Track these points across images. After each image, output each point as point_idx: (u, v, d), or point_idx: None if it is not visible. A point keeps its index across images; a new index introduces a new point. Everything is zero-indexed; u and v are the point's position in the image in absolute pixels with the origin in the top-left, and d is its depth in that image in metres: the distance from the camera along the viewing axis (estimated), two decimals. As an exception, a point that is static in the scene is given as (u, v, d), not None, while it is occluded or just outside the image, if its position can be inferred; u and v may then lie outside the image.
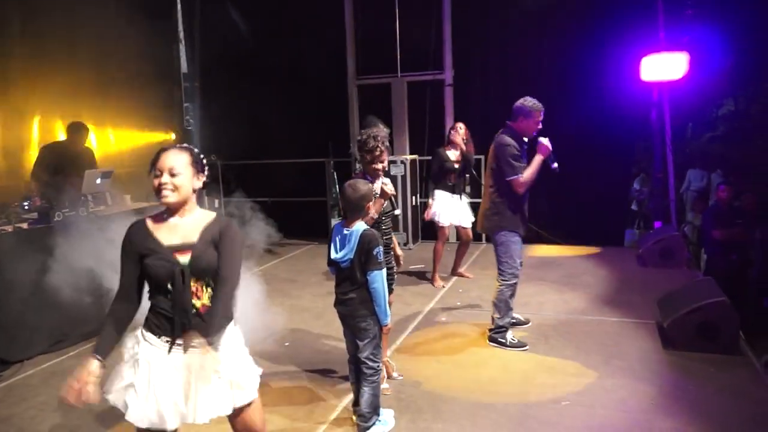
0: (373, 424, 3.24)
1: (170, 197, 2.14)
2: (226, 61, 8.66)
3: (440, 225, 6.00)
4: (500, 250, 4.32)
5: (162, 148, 2.18)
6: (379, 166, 3.50)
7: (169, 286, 2.13)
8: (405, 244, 7.76)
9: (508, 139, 4.15)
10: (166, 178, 2.12)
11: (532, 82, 6.75)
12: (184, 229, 2.19)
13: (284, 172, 8.87)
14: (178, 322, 2.14)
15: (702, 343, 4.10)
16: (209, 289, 2.19)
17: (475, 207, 6.10)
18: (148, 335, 2.18)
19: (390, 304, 3.80)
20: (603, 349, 4.24)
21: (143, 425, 2.14)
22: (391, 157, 7.70)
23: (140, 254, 2.15)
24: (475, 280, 6.17)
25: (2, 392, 4.01)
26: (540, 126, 4.16)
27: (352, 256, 3.07)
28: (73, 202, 5.08)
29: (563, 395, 3.60)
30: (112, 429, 3.43)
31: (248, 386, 2.27)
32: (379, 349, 3.24)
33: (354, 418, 3.31)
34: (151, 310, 2.21)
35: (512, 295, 4.35)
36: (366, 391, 3.21)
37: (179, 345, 2.16)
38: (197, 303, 2.18)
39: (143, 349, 2.17)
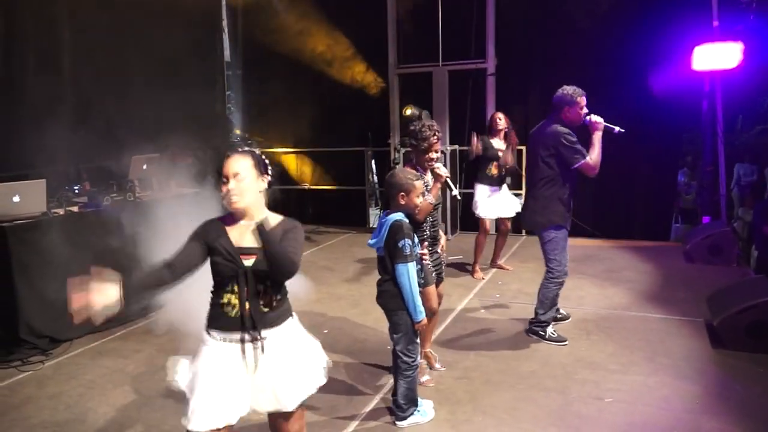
0: (411, 414, 3.25)
1: (238, 202, 2.17)
2: (268, 50, 8.73)
3: (481, 217, 5.95)
4: (549, 246, 4.21)
5: (226, 154, 2.21)
6: (434, 155, 3.47)
7: (234, 286, 2.18)
8: (444, 235, 7.71)
9: (560, 127, 4.03)
10: (232, 184, 2.15)
11: (577, 72, 6.57)
12: (251, 232, 2.21)
13: (323, 161, 8.93)
14: (247, 321, 2.19)
15: (752, 343, 3.96)
16: (272, 292, 2.23)
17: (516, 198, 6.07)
18: (215, 332, 2.23)
19: (441, 296, 3.78)
20: (647, 346, 4.14)
21: (205, 426, 2.15)
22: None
23: (210, 246, 2.19)
24: (514, 272, 6.09)
25: (52, 369, 4.16)
26: (585, 111, 4.05)
27: (382, 245, 3.07)
28: (120, 186, 5.23)
29: (605, 391, 3.53)
30: (157, 411, 3.52)
31: (303, 390, 2.29)
32: (414, 344, 3.19)
33: (392, 406, 3.31)
34: (215, 307, 2.25)
35: (557, 292, 4.28)
36: (401, 385, 3.21)
37: (245, 342, 2.20)
38: (261, 306, 2.21)
39: (211, 345, 2.23)
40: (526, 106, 7.54)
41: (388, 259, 3.05)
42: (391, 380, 3.52)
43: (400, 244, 2.98)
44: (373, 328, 4.61)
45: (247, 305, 2.19)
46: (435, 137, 3.43)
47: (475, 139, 5.76)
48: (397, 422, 3.24)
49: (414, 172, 3.27)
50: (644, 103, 6.67)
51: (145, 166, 5.79)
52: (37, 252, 4.41)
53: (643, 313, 4.81)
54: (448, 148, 7.71)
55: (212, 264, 2.21)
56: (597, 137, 4.01)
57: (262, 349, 2.20)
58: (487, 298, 5.33)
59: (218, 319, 2.23)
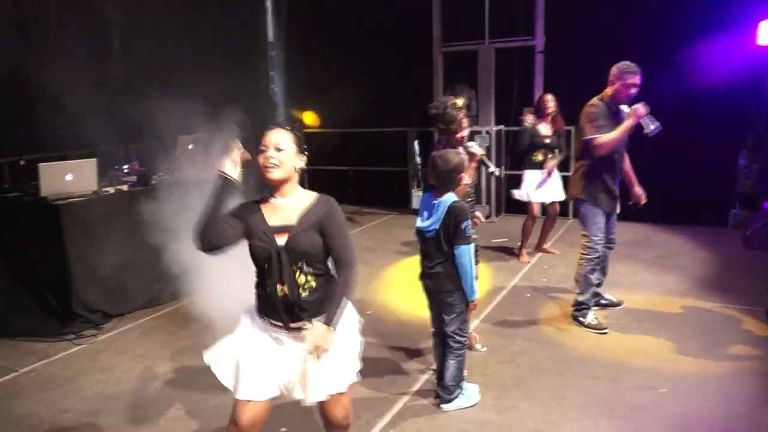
0: (456, 396, 3.20)
1: (275, 173, 2.13)
2: (312, 30, 8.67)
3: (529, 201, 5.85)
4: (580, 221, 4.20)
5: (268, 127, 2.18)
6: (465, 133, 3.39)
7: (268, 267, 2.15)
8: (488, 217, 7.58)
9: (594, 101, 3.97)
10: (271, 152, 2.12)
11: (631, 49, 6.28)
12: (286, 210, 2.19)
13: (366, 142, 8.87)
14: (279, 305, 2.15)
15: (819, 335, 3.75)
16: (309, 273, 2.17)
17: (566, 181, 5.90)
18: (257, 316, 2.25)
19: (476, 278, 3.72)
20: (704, 336, 3.96)
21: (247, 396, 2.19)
22: (476, 127, 7.50)
23: (245, 225, 2.17)
24: (561, 256, 5.94)
25: (104, 344, 4.28)
26: (634, 90, 3.86)
27: (437, 227, 3.01)
28: (168, 166, 5.30)
29: (659, 381, 3.39)
30: (202, 389, 3.58)
31: (349, 372, 2.28)
32: (466, 324, 3.19)
33: (437, 390, 3.27)
34: (259, 292, 2.24)
35: (593, 271, 4.14)
36: (451, 364, 3.17)
37: (284, 327, 2.19)
38: (300, 289, 2.16)
39: (253, 328, 2.24)
40: (576, 86, 7.24)
41: (445, 240, 3.00)
42: (433, 364, 3.48)
43: (462, 226, 2.94)
44: (417, 310, 4.55)
45: (282, 288, 2.13)
46: (463, 115, 3.37)
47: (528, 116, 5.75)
48: (442, 405, 3.20)
49: (456, 152, 3.19)
50: (704, 80, 6.33)
51: (191, 146, 5.85)
52: (89, 229, 4.52)
53: (699, 301, 4.61)
54: (494, 128, 7.54)
55: (250, 247, 2.18)
56: (626, 123, 3.82)
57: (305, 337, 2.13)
58: (533, 282, 5.21)
59: (263, 305, 2.22)
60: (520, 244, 5.98)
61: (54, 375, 3.80)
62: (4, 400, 3.50)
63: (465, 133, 3.41)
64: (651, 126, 3.78)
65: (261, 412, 2.20)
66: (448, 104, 3.41)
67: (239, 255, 2.29)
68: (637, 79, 3.84)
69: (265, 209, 2.20)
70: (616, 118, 3.92)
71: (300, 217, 2.17)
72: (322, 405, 2.29)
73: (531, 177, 5.83)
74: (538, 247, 6.13)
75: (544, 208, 6.12)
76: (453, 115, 3.34)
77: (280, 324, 2.19)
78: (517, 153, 5.99)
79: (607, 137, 3.85)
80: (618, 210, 4.23)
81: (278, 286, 2.14)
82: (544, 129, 5.74)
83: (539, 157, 5.78)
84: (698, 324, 4.16)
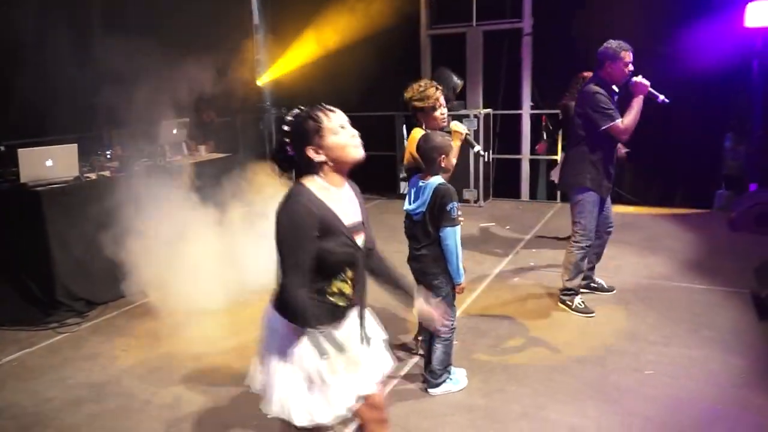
0: (444, 381, 3.20)
1: (362, 151, 1.96)
2: (298, 13, 8.54)
3: None
4: (575, 209, 4.11)
5: (328, 108, 1.97)
6: (443, 111, 3.32)
7: (349, 272, 1.94)
8: (476, 201, 7.56)
9: (595, 87, 3.87)
10: (353, 130, 1.95)
11: (619, 31, 6.24)
12: (349, 203, 1.98)
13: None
14: (361, 307, 2.03)
15: (803, 317, 3.78)
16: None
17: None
18: (323, 328, 1.88)
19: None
20: (690, 318, 3.98)
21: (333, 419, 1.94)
22: (464, 111, 7.45)
23: (323, 230, 1.84)
24: (549, 241, 5.94)
25: (88, 331, 4.23)
26: (630, 69, 3.83)
27: (424, 209, 2.99)
28: (151, 151, 5.22)
29: (645, 364, 3.41)
30: (190, 374, 3.55)
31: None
32: (453, 308, 3.17)
33: (424, 374, 3.26)
34: (322, 300, 1.91)
35: (583, 258, 4.13)
36: (438, 348, 3.16)
37: (363, 328, 2.06)
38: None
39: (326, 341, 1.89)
40: (565, 69, 7.22)
41: (431, 223, 2.97)
42: (420, 349, 3.47)
43: (448, 208, 2.92)
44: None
45: (363, 289, 2.02)
46: (438, 91, 3.29)
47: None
48: (429, 389, 3.19)
49: (441, 133, 3.15)
50: (691, 62, 6.30)
51: (175, 131, 5.77)
52: (71, 216, 4.45)
53: (685, 283, 4.63)
54: (482, 111, 7.50)
55: (325, 251, 1.84)
56: (637, 101, 3.79)
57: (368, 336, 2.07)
58: (521, 266, 5.21)
59: (331, 313, 1.92)
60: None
61: (37, 364, 3.75)
62: (-15, 390, 3.45)
63: (444, 110, 3.34)
64: (660, 96, 3.77)
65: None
66: (423, 83, 3.33)
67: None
68: (631, 56, 3.82)
69: (331, 201, 1.90)
70: (612, 99, 3.88)
71: (361, 209, 2.03)
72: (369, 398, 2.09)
73: None
74: None
75: (535, 188, 6.08)
76: (430, 91, 3.27)
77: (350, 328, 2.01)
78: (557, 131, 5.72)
79: (629, 121, 3.79)
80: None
81: (358, 288, 1.98)
82: None
83: None
84: (684, 306, 4.18)
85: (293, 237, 1.82)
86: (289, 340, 1.90)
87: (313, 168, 1.93)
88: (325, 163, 1.92)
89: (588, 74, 5.13)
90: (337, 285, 1.93)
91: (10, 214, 4.40)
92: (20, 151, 4.41)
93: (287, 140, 1.93)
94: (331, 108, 1.96)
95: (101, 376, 3.56)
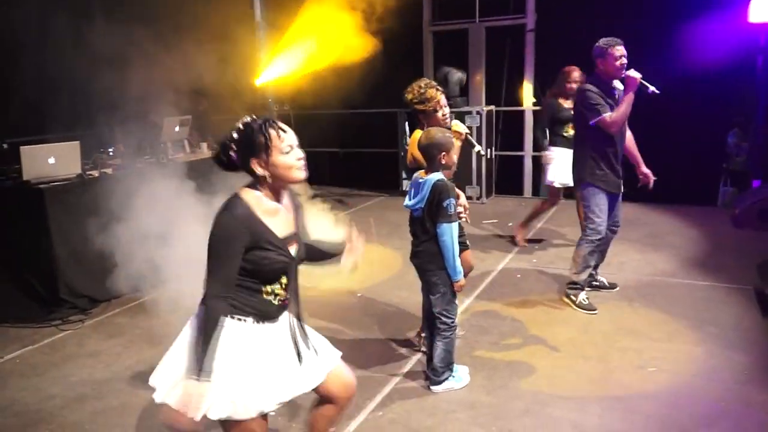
0: (446, 378, 3.20)
1: (304, 173, 1.99)
2: (299, 10, 8.51)
3: (555, 185, 5.35)
4: (584, 204, 4.16)
5: (279, 127, 1.97)
6: (445, 111, 3.32)
7: (283, 279, 2.04)
8: (478, 198, 7.55)
9: (588, 85, 3.96)
10: (301, 152, 1.98)
11: (622, 27, 6.22)
12: (285, 215, 2.05)
13: (355, 123, 8.79)
14: (294, 309, 2.12)
15: (807, 313, 3.77)
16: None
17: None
18: (250, 318, 2.00)
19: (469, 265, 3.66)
20: (693, 315, 3.97)
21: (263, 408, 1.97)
22: (467, 108, 7.44)
23: (255, 246, 1.92)
24: (551, 237, 5.93)
25: (91, 329, 4.23)
26: (623, 62, 3.83)
27: (423, 206, 2.99)
28: (153, 149, 5.22)
29: (648, 360, 3.40)
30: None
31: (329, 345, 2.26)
32: (453, 305, 3.15)
33: (427, 371, 3.26)
34: (253, 296, 2.00)
35: (592, 253, 4.12)
36: (438, 346, 3.15)
37: (293, 330, 2.12)
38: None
39: (249, 330, 2.00)
40: (567, 65, 7.21)
41: (429, 219, 2.97)
42: (423, 346, 3.47)
43: (445, 204, 2.91)
44: (408, 292, 4.54)
45: (296, 293, 2.12)
46: (439, 92, 3.30)
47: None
48: (431, 387, 3.19)
49: (443, 129, 3.14)
50: (694, 58, 6.28)
51: (177, 128, 5.77)
52: (74, 213, 4.45)
53: (688, 280, 4.62)
54: (484, 108, 7.48)
55: (259, 260, 1.94)
56: (627, 95, 3.82)
57: (304, 334, 2.14)
58: (523, 263, 5.20)
59: (259, 308, 2.01)
60: (521, 223, 5.71)
61: (40, 361, 3.76)
62: (-11, 387, 3.46)
63: (446, 111, 3.34)
64: (650, 87, 3.78)
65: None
66: (423, 84, 3.34)
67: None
68: (621, 50, 3.83)
69: (268, 216, 1.97)
70: (611, 96, 3.90)
71: (296, 221, 2.10)
72: (329, 389, 2.20)
73: (561, 155, 5.19)
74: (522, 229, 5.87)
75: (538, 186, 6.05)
76: (430, 94, 3.28)
77: (278, 325, 2.09)
78: (541, 128, 5.55)
79: (616, 114, 3.83)
80: (621, 191, 4.19)
81: (292, 294, 2.10)
82: (569, 105, 5.18)
83: (570, 131, 5.06)
84: (687, 303, 4.17)
85: (219, 249, 1.91)
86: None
87: (255, 180, 1.99)
88: (265, 178, 1.97)
89: (570, 69, 5.30)
90: (271, 287, 2.02)
91: (13, 211, 4.41)
92: (23, 148, 4.41)
93: (234, 147, 1.97)
94: (284, 127, 1.99)
95: (104, 373, 3.57)
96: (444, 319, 3.12)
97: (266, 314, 2.04)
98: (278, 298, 2.05)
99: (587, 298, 4.18)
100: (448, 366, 3.20)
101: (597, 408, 2.96)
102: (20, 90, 5.48)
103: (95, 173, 4.83)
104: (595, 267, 4.39)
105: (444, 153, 2.98)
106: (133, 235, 4.44)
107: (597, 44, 3.90)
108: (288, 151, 1.96)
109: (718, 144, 6.78)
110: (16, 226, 4.40)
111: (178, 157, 5.54)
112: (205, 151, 5.96)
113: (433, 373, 3.19)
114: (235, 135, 1.97)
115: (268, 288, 2.02)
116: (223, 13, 7.65)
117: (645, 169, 4.26)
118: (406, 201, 3.11)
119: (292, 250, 2.05)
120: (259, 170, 1.95)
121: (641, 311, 4.08)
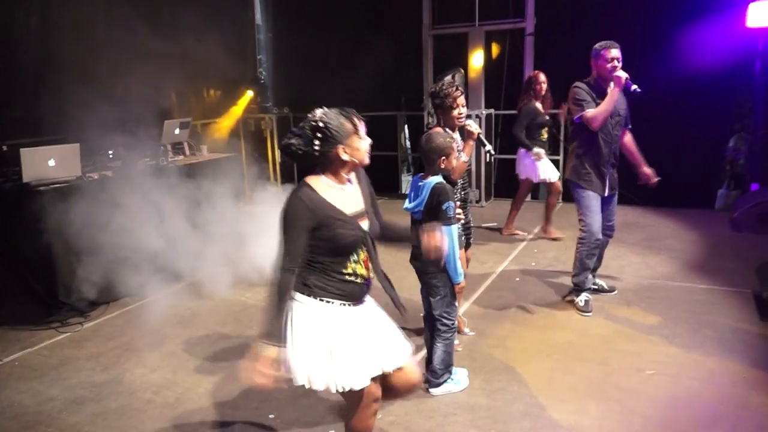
0: (445, 381, 3.20)
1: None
2: (300, 13, 8.55)
3: (549, 181, 5.84)
4: (576, 206, 4.18)
5: (356, 116, 2.14)
6: (461, 111, 3.36)
7: (356, 254, 2.17)
8: (477, 201, 7.56)
9: (578, 83, 4.01)
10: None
11: (621, 31, 6.26)
12: (354, 194, 2.22)
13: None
14: (387, 285, 2.35)
15: (805, 317, 3.77)
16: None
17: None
18: (339, 301, 2.16)
19: (468, 260, 3.72)
20: (691, 318, 3.98)
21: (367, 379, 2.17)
22: (467, 111, 7.44)
23: (321, 223, 2.06)
24: (550, 241, 5.94)
25: (90, 331, 4.23)
26: (615, 64, 3.85)
27: (422, 208, 3.00)
28: (153, 151, 5.22)
29: (647, 363, 3.40)
30: (192, 374, 3.55)
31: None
32: (453, 307, 3.16)
33: (426, 374, 3.26)
34: (339, 280, 2.14)
35: (589, 256, 4.12)
36: (439, 348, 3.16)
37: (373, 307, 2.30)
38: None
39: (340, 312, 2.16)
40: (567, 68, 7.22)
41: (429, 222, 2.97)
42: (424, 348, 3.46)
43: (444, 207, 2.92)
44: (408, 294, 4.52)
45: (378, 268, 2.27)
46: (458, 91, 3.35)
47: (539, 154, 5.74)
48: (430, 389, 3.19)
49: (450, 133, 3.22)
50: (693, 62, 6.31)
51: (177, 131, 5.78)
52: (73, 215, 4.45)
53: (687, 283, 4.63)
54: (484, 111, 7.50)
55: (332, 236, 2.07)
56: (612, 92, 3.85)
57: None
58: (523, 266, 5.21)
59: (346, 291, 2.16)
60: (544, 224, 6.04)
61: (39, 363, 3.76)
62: (-12, 389, 3.46)
63: (462, 110, 3.37)
64: (633, 86, 3.81)
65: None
66: (445, 81, 3.42)
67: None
68: (615, 52, 3.85)
69: (335, 197, 2.13)
70: (602, 97, 3.91)
71: (364, 199, 2.25)
72: (391, 377, 2.30)
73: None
74: (507, 227, 6.23)
75: (537, 188, 6.15)
76: (449, 90, 3.33)
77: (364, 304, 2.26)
78: (519, 133, 5.80)
79: (596, 109, 3.88)
80: (615, 194, 4.19)
81: (372, 268, 2.25)
82: (540, 106, 5.75)
83: (544, 135, 5.85)
84: (686, 306, 4.18)
85: (286, 226, 2.07)
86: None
87: (323, 166, 2.13)
88: (345, 162, 2.11)
89: (537, 73, 5.77)
90: (352, 266, 2.16)
91: (13, 213, 4.40)
92: (23, 150, 4.41)
93: (319, 135, 2.06)
94: (359, 115, 2.17)
95: (103, 375, 3.57)
96: (444, 321, 3.13)
97: (351, 295, 2.18)
98: (361, 277, 2.19)
99: (586, 300, 4.18)
100: (448, 368, 3.20)
101: (596, 411, 2.97)
102: (20, 90, 5.48)
103: (95, 175, 4.83)
104: (593, 271, 4.39)
105: (443, 158, 2.98)
106: (132, 238, 4.47)
107: (593, 47, 3.96)
108: (364, 138, 2.15)
109: (717, 147, 6.79)
110: (16, 228, 4.40)
111: (178, 160, 5.55)
112: (205, 154, 5.97)
113: (432, 376, 3.19)
114: (320, 124, 2.07)
115: (350, 268, 2.15)
116: (220, 16, 7.68)
117: (646, 169, 4.23)
118: (406, 204, 3.12)
119: (364, 225, 2.19)
120: (344, 156, 2.09)
121: (640, 314, 4.08)
